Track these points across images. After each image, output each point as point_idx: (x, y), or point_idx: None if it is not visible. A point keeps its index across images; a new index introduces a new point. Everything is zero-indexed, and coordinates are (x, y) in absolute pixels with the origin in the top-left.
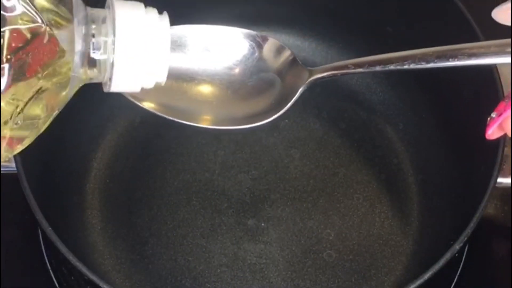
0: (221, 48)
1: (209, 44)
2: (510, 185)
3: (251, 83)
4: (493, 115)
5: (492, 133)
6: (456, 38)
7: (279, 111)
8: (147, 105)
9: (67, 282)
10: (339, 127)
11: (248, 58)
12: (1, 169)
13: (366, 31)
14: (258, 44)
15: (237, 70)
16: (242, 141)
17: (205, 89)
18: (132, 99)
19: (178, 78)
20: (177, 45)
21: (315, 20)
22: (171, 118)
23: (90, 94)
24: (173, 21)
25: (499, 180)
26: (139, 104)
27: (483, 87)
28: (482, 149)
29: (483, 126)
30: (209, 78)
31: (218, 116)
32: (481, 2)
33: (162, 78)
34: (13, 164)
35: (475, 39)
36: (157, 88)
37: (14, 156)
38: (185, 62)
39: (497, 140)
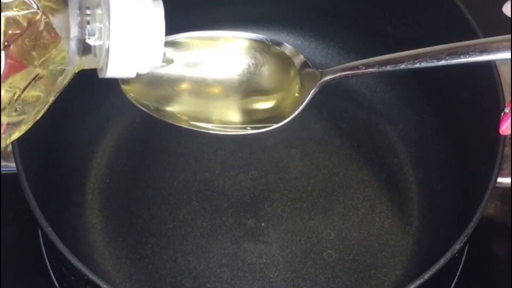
0: (230, 53)
1: (217, 49)
2: (510, 185)
3: (260, 87)
4: (507, 110)
5: (507, 128)
6: (456, 38)
7: (291, 114)
8: (152, 110)
9: (67, 282)
10: (339, 127)
11: (257, 63)
12: (1, 169)
13: (366, 31)
14: (268, 48)
15: (247, 75)
16: (242, 141)
17: (213, 94)
18: (139, 106)
19: (188, 83)
20: (185, 50)
21: (315, 20)
22: (177, 124)
23: (90, 94)
24: (173, 22)
25: (499, 180)
26: (146, 110)
27: (483, 87)
28: (482, 149)
29: (483, 126)
30: (218, 83)
31: (227, 121)
32: (481, 2)
33: (157, 63)
34: (13, 164)
35: (475, 39)
36: (166, 92)
37: (14, 156)
38: (192, 67)
39: (497, 140)
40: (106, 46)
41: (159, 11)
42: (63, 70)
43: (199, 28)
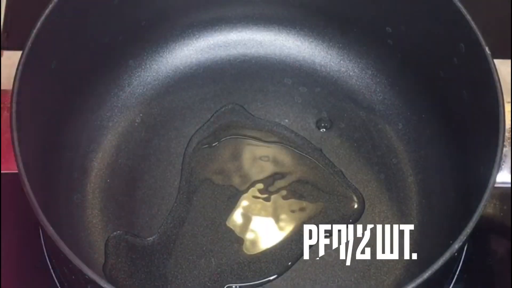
0: None
1: None
2: (509, 185)
3: None
4: None
5: None
6: (455, 38)
7: None
8: None
9: (68, 281)
10: (339, 127)
11: None
12: (2, 169)
13: (365, 31)
14: None
15: None
16: None
17: None
18: None
19: None
20: None
21: (315, 20)
22: None
23: (90, 94)
24: (174, 20)
25: (498, 180)
26: None
27: (483, 87)
28: (482, 149)
29: (483, 126)
30: None
31: None
32: (480, 3)
33: None
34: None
35: (474, 39)
36: None
37: (15, 156)
38: None
39: (497, 140)
40: None
41: None
42: None
43: (197, 28)
